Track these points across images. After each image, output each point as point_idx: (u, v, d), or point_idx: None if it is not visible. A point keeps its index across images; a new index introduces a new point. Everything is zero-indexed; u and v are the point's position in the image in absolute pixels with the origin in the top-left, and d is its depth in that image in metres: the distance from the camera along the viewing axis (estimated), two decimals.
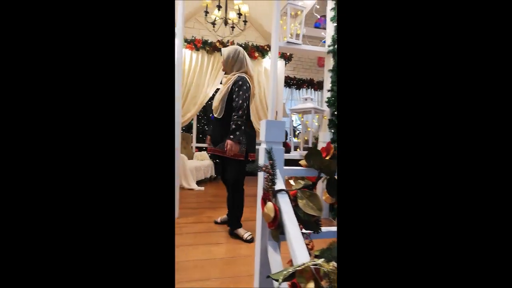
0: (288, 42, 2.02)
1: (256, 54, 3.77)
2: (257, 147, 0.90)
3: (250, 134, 1.68)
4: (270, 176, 0.79)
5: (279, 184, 0.83)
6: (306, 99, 2.01)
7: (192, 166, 3.24)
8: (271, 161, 0.77)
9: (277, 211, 0.74)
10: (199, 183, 3.31)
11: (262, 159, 0.91)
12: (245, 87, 1.59)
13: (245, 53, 1.71)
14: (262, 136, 0.91)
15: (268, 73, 3.91)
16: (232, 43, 3.66)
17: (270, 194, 0.81)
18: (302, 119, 2.25)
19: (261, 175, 0.91)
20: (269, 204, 0.77)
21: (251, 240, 1.63)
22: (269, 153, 0.78)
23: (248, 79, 1.64)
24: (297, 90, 5.71)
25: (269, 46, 3.83)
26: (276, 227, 0.74)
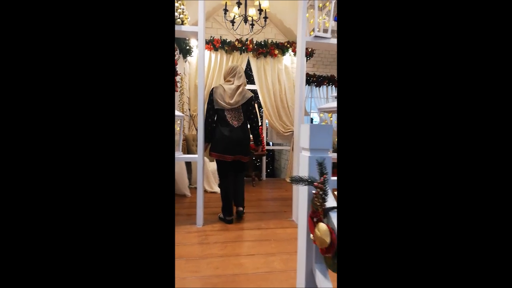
0: (316, 36, 1.88)
1: (276, 52, 3.64)
2: (302, 153, 0.80)
3: (215, 137, 2.00)
4: (321, 192, 0.67)
5: (331, 201, 0.71)
6: (335, 97, 1.86)
7: (213, 168, 3.17)
8: (325, 175, 0.65)
9: (334, 236, 0.62)
10: None
11: (305, 171, 0.79)
12: (208, 99, 2.00)
13: (236, 67, 2.05)
14: (304, 142, 0.79)
15: (288, 70, 3.78)
16: (251, 42, 3.56)
17: (321, 212, 0.69)
18: (331, 118, 2.10)
19: (304, 189, 0.79)
20: (322, 226, 0.65)
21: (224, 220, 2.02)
22: (320, 165, 0.66)
23: (217, 88, 1.98)
24: (317, 88, 5.51)
25: (289, 43, 3.69)
26: (333, 255, 0.62)
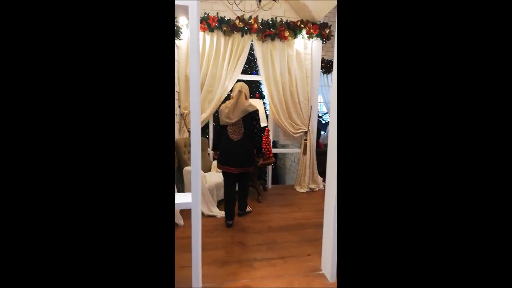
0: None
1: (287, 34, 2.92)
2: None
3: (222, 149, 2.14)
4: None
5: None
6: None
7: (211, 183, 2.56)
8: None
9: None
10: (221, 204, 2.65)
11: None
12: (216, 117, 2.20)
13: (235, 86, 2.17)
14: None
15: (301, 57, 3.08)
16: (256, 20, 2.82)
17: None
18: None
19: None
20: None
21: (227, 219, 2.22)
22: None
23: (222, 106, 2.14)
24: (325, 75, 4.85)
25: (302, 22, 2.97)
26: None
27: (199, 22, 1.29)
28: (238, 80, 3.16)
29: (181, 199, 1.31)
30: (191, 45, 1.23)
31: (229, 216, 2.18)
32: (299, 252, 1.78)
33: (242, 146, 2.06)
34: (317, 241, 1.91)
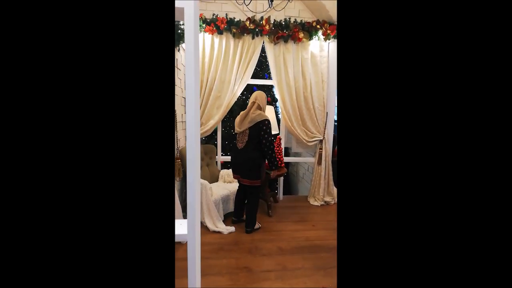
0: None
1: (301, 35, 2.72)
2: None
3: (231, 157, 2.29)
4: None
5: None
6: None
7: (217, 196, 2.40)
8: None
9: None
10: (228, 218, 2.48)
11: None
12: None
13: (254, 93, 2.21)
14: None
15: (316, 60, 2.87)
16: (268, 21, 2.64)
17: None
18: None
19: None
20: None
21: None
22: None
23: (239, 115, 2.20)
24: None
25: (318, 22, 2.75)
26: None
27: (198, 25, 1.12)
28: (248, 85, 3.00)
29: (175, 229, 1.14)
30: (187, 50, 1.05)
31: (237, 215, 2.37)
32: (312, 282, 1.58)
33: (245, 154, 2.11)
34: (333, 269, 1.70)
